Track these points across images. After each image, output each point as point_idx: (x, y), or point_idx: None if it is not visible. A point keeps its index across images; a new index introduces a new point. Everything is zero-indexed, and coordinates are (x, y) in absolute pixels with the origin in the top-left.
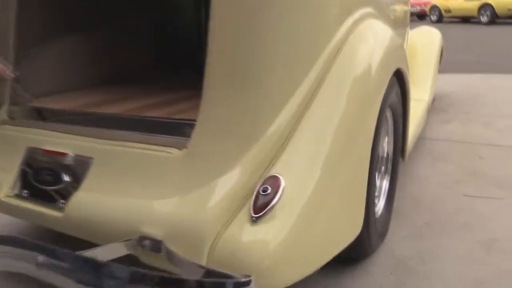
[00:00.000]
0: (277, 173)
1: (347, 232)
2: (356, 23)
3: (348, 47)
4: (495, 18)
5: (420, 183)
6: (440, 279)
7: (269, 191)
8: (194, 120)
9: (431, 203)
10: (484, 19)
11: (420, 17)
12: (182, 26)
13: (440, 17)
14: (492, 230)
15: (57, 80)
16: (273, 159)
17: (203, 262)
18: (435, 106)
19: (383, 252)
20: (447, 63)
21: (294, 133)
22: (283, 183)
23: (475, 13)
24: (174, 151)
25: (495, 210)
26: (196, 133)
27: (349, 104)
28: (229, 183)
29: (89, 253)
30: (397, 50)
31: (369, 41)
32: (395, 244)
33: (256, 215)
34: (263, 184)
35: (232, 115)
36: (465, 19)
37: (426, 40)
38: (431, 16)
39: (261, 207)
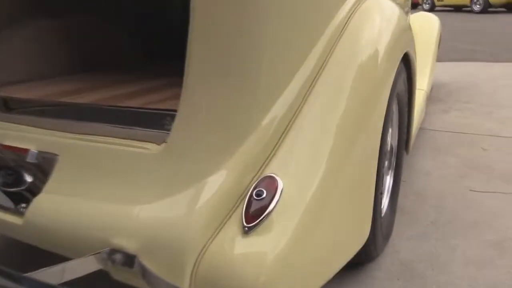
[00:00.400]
0: (273, 173)
1: (354, 238)
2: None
3: (352, 27)
4: (488, 7)
5: (422, 178)
6: (450, 285)
7: (264, 195)
8: (174, 111)
9: (436, 199)
10: (476, 8)
11: (412, 5)
12: (169, 12)
13: (432, 6)
14: (503, 229)
15: (26, 67)
16: (268, 157)
17: (185, 282)
18: (432, 95)
19: (388, 255)
20: (441, 51)
21: (292, 127)
22: (280, 185)
23: (467, 2)
24: (152, 146)
25: (504, 206)
26: (176, 125)
27: (354, 93)
28: (216, 185)
29: (46, 273)
30: (405, 31)
31: (376, 21)
32: (401, 246)
33: (249, 225)
34: (256, 186)
35: (219, 105)
36: (457, 8)
37: (425, 26)
38: (424, 5)
39: (255, 215)
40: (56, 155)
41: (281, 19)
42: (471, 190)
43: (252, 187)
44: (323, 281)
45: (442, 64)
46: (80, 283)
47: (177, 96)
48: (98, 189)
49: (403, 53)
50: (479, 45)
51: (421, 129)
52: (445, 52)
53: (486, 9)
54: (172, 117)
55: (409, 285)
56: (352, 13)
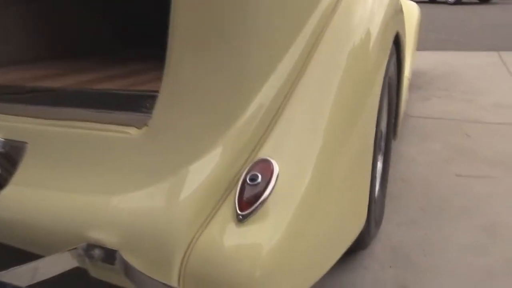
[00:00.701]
0: (268, 156)
1: (352, 225)
2: None
3: (344, 6)
4: None
5: (408, 164)
6: (445, 272)
7: (259, 179)
8: (156, 91)
9: (423, 185)
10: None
11: None
12: None
13: None
14: (492, 213)
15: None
16: (260, 140)
17: (173, 278)
18: (412, 83)
19: (380, 242)
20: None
21: (285, 108)
22: (276, 168)
23: None
24: (132, 130)
25: (491, 190)
26: (158, 107)
27: (349, 74)
28: (204, 170)
29: (15, 273)
30: (397, 12)
31: (368, 0)
32: (392, 233)
33: (243, 212)
34: (250, 170)
35: (205, 85)
36: (432, 0)
37: (406, 12)
38: None
39: (249, 201)
40: (25, 143)
41: None
42: (457, 176)
43: (245, 171)
44: (322, 272)
45: (420, 53)
46: (54, 283)
47: (157, 79)
48: (72, 179)
49: (395, 33)
50: (455, 35)
51: (404, 116)
52: (422, 42)
53: (460, 0)
54: (154, 99)
55: (401, 273)
56: None
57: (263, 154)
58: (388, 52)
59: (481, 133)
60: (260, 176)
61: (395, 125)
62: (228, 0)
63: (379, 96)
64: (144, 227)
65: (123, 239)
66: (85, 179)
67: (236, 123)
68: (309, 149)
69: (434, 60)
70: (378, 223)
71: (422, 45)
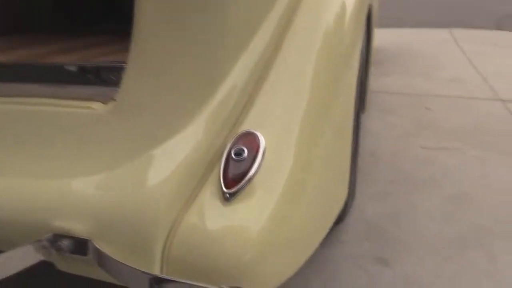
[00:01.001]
0: (252, 129)
1: (336, 199)
2: None
3: None
4: None
5: (374, 138)
6: (417, 241)
7: (245, 154)
8: (122, 63)
9: (390, 158)
10: None
11: None
12: None
13: None
14: (457, 183)
15: None
16: (242, 112)
17: (155, 266)
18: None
19: (353, 216)
20: None
21: (265, 78)
22: (262, 141)
23: None
24: (97, 105)
25: (455, 161)
26: (127, 80)
27: (328, 42)
28: (183, 146)
29: None
30: None
31: None
32: (364, 206)
33: (230, 190)
34: (234, 144)
35: (179, 53)
36: None
37: None
38: None
39: (235, 178)
40: None
41: None
42: (422, 148)
43: (229, 145)
44: (312, 249)
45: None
46: (17, 281)
47: (120, 51)
48: (32, 162)
49: (368, 5)
50: (408, 12)
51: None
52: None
53: None
54: (120, 71)
55: (377, 246)
56: None
57: (245, 127)
58: (364, 24)
59: (440, 106)
60: (246, 150)
61: (364, 98)
62: None
63: (357, 68)
64: (119, 212)
65: (95, 227)
66: (47, 162)
67: (215, 94)
68: (293, 120)
69: (391, 37)
70: (353, 197)
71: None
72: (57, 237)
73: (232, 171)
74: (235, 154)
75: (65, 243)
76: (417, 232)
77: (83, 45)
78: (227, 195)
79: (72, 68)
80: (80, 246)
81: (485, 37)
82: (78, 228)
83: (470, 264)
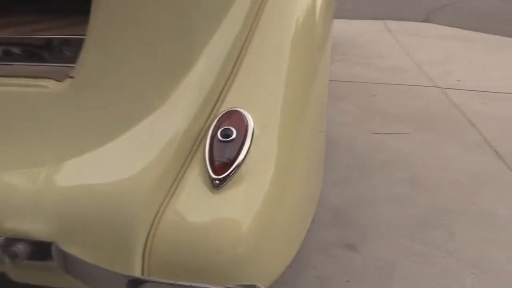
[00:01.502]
0: (237, 107)
1: (318, 181)
2: None
3: None
4: None
5: (329, 125)
6: (383, 224)
7: (233, 135)
8: (79, 35)
9: (345, 144)
10: None
11: None
12: None
13: None
14: (412, 166)
15: None
16: (223, 88)
17: (136, 267)
18: None
19: (319, 203)
20: None
21: (245, 53)
22: (250, 121)
23: None
24: (51, 84)
25: (406, 145)
26: (86, 54)
27: (304, 20)
28: (160, 126)
29: None
30: None
31: None
32: (328, 192)
33: (219, 176)
34: (221, 123)
35: (149, 21)
36: None
37: None
38: None
39: (224, 162)
40: None
41: None
42: (374, 133)
43: (213, 124)
44: (302, 240)
45: None
46: None
47: (72, 24)
48: None
49: None
50: (348, 2)
51: None
52: None
53: None
54: (76, 45)
55: (344, 231)
56: None
57: (228, 105)
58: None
59: (384, 93)
60: (235, 131)
61: None
62: None
63: (330, 48)
64: (89, 207)
65: (60, 227)
66: None
67: (193, 68)
68: (277, 97)
69: None
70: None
71: None
72: (10, 242)
73: (219, 154)
74: (222, 135)
75: (21, 248)
76: (381, 215)
77: (24, 20)
78: (216, 181)
79: (16, 43)
80: (41, 250)
81: (416, 28)
82: (38, 229)
83: (433, 243)
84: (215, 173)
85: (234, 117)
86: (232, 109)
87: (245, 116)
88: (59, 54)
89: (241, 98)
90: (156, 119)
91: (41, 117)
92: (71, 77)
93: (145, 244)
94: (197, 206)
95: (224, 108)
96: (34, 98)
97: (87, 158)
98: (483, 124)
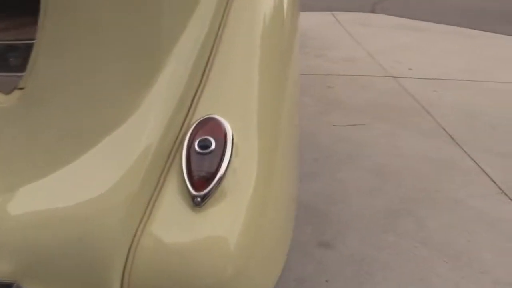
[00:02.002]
0: (212, 114)
1: (295, 184)
2: None
3: None
4: None
5: None
6: (354, 217)
7: (212, 146)
8: (27, 40)
9: (307, 136)
10: None
11: None
12: None
13: None
14: (374, 156)
15: None
16: (196, 93)
17: None
18: None
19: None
20: None
21: (216, 54)
22: (229, 130)
23: None
24: (1, 98)
25: (366, 136)
26: (37, 61)
27: (273, 17)
28: (129, 139)
29: None
30: None
31: None
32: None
33: (200, 193)
34: (196, 133)
35: (109, 21)
36: None
37: None
38: None
39: (204, 177)
40: None
41: None
42: (335, 126)
43: (189, 134)
44: (286, 253)
45: None
46: None
47: (17, 26)
48: None
49: None
50: None
51: None
52: None
53: None
54: (24, 51)
55: (320, 228)
56: None
57: (202, 112)
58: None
59: (340, 84)
60: (213, 141)
61: None
62: None
63: (299, 44)
64: (53, 237)
65: (21, 263)
66: None
67: (161, 72)
68: (252, 101)
69: None
70: None
71: None
72: None
73: (198, 168)
74: (199, 146)
75: None
76: (351, 209)
77: None
78: (198, 198)
79: None
80: None
81: (365, 19)
82: None
83: (405, 233)
84: (195, 189)
85: (210, 125)
86: (207, 116)
87: (222, 124)
88: (4, 62)
89: (215, 103)
90: (123, 131)
91: None
92: (20, 89)
93: (123, 273)
94: (177, 227)
95: (198, 116)
96: None
97: (47, 181)
98: (437, 111)
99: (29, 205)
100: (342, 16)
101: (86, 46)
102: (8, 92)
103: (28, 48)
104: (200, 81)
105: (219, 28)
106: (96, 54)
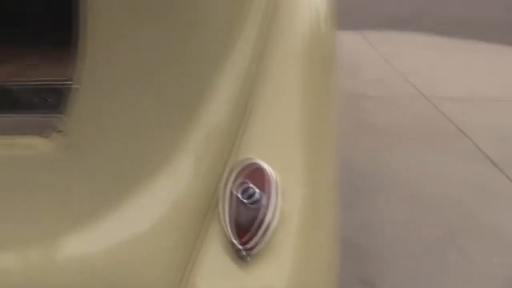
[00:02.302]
0: (256, 159)
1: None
2: None
3: None
4: None
5: None
6: (394, 252)
7: (257, 195)
8: (67, 83)
9: (346, 162)
10: None
11: None
12: None
13: None
14: (411, 183)
15: None
16: (237, 134)
17: None
18: None
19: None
20: None
21: (257, 94)
22: (274, 177)
23: None
24: (36, 141)
25: (402, 160)
26: (78, 102)
27: (311, 54)
28: (169, 186)
29: None
30: None
31: None
32: None
33: (246, 246)
34: (237, 179)
35: (150, 65)
36: None
37: None
38: None
39: (249, 229)
40: None
41: None
42: (371, 150)
43: (231, 181)
44: None
45: None
46: None
47: (42, 65)
48: None
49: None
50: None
51: None
52: None
53: None
54: (61, 91)
55: (360, 266)
56: None
57: (243, 155)
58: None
59: (373, 106)
60: (257, 190)
61: None
62: None
63: (337, 75)
64: None
65: None
66: None
67: (201, 115)
68: (298, 143)
69: None
70: None
71: None
72: None
73: (243, 219)
74: (243, 195)
75: None
76: (390, 242)
77: None
78: (243, 252)
79: None
80: None
81: (391, 37)
82: None
83: (451, 268)
84: (240, 242)
85: (254, 172)
86: (251, 161)
87: (266, 170)
88: (38, 101)
89: (258, 146)
90: (164, 177)
91: (26, 183)
92: (60, 132)
93: None
94: (223, 281)
95: (239, 159)
96: (15, 160)
97: (87, 231)
98: (474, 133)
99: (70, 255)
100: (370, 35)
101: (126, 88)
102: (46, 135)
103: (66, 88)
104: (241, 121)
105: (259, 63)
106: (137, 96)
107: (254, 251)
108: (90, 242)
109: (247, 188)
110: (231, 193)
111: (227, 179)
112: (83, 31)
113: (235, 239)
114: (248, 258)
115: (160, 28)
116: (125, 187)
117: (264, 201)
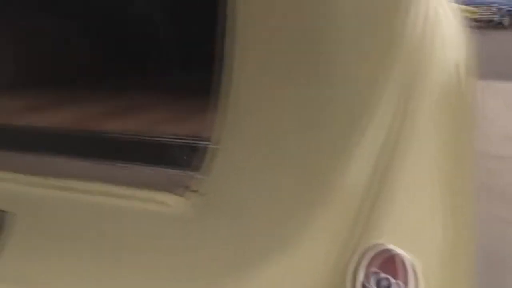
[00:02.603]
0: (390, 244)
1: None
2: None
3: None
4: None
5: None
6: None
7: (391, 285)
8: (204, 140)
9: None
10: None
11: None
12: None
13: None
14: None
15: None
16: (369, 216)
17: None
18: None
19: None
20: None
21: (391, 166)
22: (413, 268)
23: None
24: (169, 199)
25: None
26: (216, 162)
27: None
28: (302, 265)
29: None
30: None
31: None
32: None
33: None
34: (370, 267)
35: (290, 129)
36: None
37: None
38: None
39: None
40: (12, 213)
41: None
42: (501, 221)
43: (363, 270)
44: None
45: None
46: None
47: (178, 118)
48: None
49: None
50: None
51: None
52: None
53: None
54: (200, 150)
55: None
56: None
57: (375, 239)
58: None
59: (503, 168)
60: (394, 282)
61: None
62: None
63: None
64: None
65: None
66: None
67: (338, 194)
68: (437, 233)
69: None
70: None
71: None
72: None
73: None
74: (377, 285)
75: None
76: None
77: (127, 107)
78: None
79: (127, 141)
80: None
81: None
82: None
83: None
84: None
85: (388, 260)
86: (384, 247)
87: (405, 260)
88: (175, 159)
89: (391, 230)
90: (292, 253)
91: (154, 239)
92: (195, 191)
93: None
94: None
95: (371, 244)
96: (146, 215)
97: None
98: None
99: None
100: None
101: (268, 152)
102: (180, 193)
103: (201, 145)
104: (375, 198)
105: (397, 136)
106: (278, 161)
107: None
108: None
109: (381, 279)
110: (364, 282)
111: (358, 265)
112: (225, 91)
113: None
114: None
115: (303, 89)
116: (260, 260)
117: None
